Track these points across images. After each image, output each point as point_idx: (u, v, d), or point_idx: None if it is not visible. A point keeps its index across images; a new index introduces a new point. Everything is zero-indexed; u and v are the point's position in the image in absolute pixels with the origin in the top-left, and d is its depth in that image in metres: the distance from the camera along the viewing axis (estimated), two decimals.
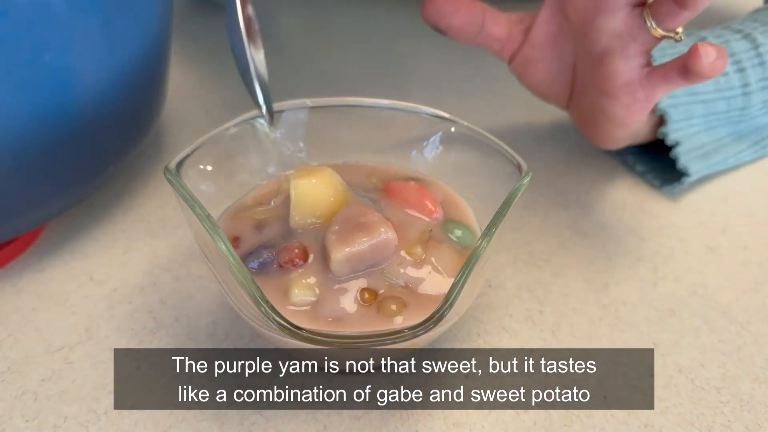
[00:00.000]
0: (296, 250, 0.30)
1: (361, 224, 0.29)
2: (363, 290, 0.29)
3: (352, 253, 0.28)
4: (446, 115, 0.36)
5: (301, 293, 0.29)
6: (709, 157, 0.44)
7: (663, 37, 0.35)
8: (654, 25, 0.35)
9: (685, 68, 0.34)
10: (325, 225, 0.30)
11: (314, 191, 0.31)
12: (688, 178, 0.43)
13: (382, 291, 0.29)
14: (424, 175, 0.36)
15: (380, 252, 0.29)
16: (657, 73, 0.36)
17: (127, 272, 0.37)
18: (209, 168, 0.33)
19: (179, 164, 0.31)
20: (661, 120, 0.43)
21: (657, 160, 0.45)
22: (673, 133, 0.42)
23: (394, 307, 0.28)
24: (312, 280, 0.29)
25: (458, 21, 0.40)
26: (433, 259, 0.30)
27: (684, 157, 0.42)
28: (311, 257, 0.30)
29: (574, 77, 0.42)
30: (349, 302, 0.29)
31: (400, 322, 0.28)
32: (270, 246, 0.31)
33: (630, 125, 0.39)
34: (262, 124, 0.35)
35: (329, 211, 0.31)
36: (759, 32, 0.44)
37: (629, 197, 0.44)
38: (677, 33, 0.35)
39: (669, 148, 0.44)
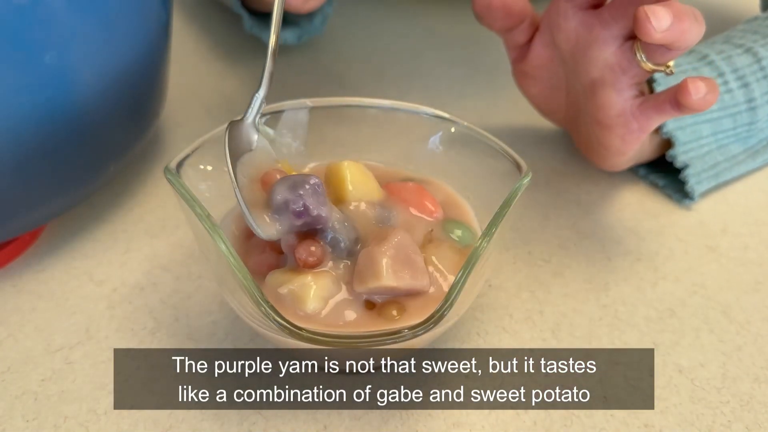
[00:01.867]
0: (312, 248, 0.29)
1: (411, 261, 0.29)
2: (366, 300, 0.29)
3: (392, 288, 0.28)
4: (446, 115, 0.36)
5: (314, 304, 0.28)
6: (721, 175, 0.43)
7: (654, 71, 0.35)
8: (644, 59, 0.35)
9: (677, 100, 0.34)
10: (364, 206, 0.31)
11: (365, 175, 0.33)
12: (692, 201, 0.43)
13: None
14: (424, 176, 0.36)
15: (410, 294, 0.29)
16: (650, 103, 0.36)
17: (127, 272, 0.37)
18: (209, 168, 0.33)
19: (179, 164, 0.31)
20: (668, 142, 0.43)
21: (660, 162, 0.45)
22: (681, 155, 0.42)
23: (394, 312, 0.28)
24: (327, 290, 0.29)
25: (517, 2, 0.39)
26: (434, 258, 0.31)
27: (693, 179, 0.42)
28: (341, 243, 0.29)
29: (568, 100, 0.42)
30: (352, 310, 0.29)
31: (398, 319, 0.28)
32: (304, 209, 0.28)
33: (626, 153, 0.39)
34: (262, 123, 0.35)
35: (370, 194, 0.32)
36: (760, 45, 0.44)
37: (629, 197, 0.44)
38: (668, 66, 0.35)
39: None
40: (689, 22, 0.32)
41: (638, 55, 0.35)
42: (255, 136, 0.32)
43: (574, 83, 0.40)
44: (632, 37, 0.35)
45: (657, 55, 0.34)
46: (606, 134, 0.38)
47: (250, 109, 0.32)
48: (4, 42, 0.28)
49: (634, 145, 0.38)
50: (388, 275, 0.28)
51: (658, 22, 0.32)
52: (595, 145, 0.40)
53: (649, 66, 0.35)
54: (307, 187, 0.28)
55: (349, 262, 0.30)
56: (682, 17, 0.32)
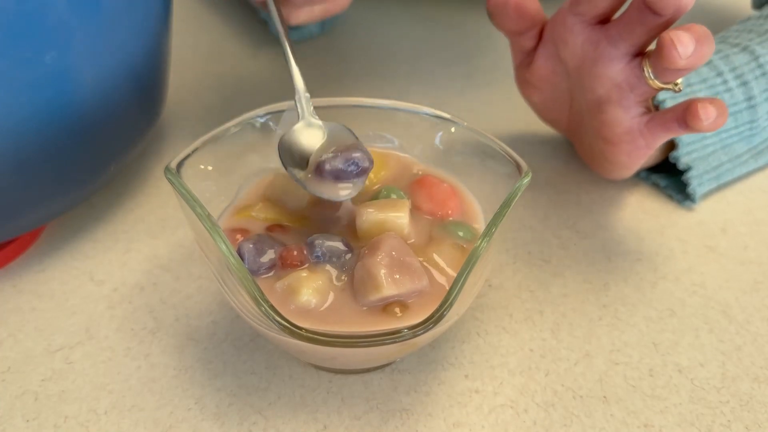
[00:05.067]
0: (294, 253, 0.30)
1: (407, 265, 0.29)
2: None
3: (395, 296, 0.28)
4: (446, 115, 0.36)
5: (307, 296, 0.28)
6: (722, 177, 0.43)
7: (662, 89, 0.35)
8: (652, 77, 0.34)
9: (684, 119, 0.34)
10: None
11: (377, 158, 0.35)
12: (692, 204, 0.43)
13: None
14: (442, 173, 0.36)
15: (411, 295, 0.29)
16: (657, 121, 0.35)
17: (127, 272, 0.37)
18: (209, 168, 0.33)
19: (180, 164, 0.31)
20: (670, 145, 0.43)
21: (661, 163, 0.45)
22: (684, 156, 0.42)
23: (397, 309, 0.28)
24: (320, 282, 0.29)
25: (532, 6, 0.39)
26: (435, 256, 0.31)
27: (695, 181, 0.42)
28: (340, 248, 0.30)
29: (571, 111, 0.42)
30: (356, 308, 0.29)
31: (401, 316, 0.28)
32: (271, 240, 0.31)
33: (631, 168, 0.39)
34: (262, 123, 0.35)
35: (377, 175, 0.35)
36: (756, 43, 0.44)
37: (629, 197, 0.44)
38: (676, 84, 0.35)
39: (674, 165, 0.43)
40: (708, 45, 0.32)
41: (646, 72, 0.34)
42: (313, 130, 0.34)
43: (578, 97, 0.40)
44: (639, 55, 0.35)
45: (667, 73, 0.34)
46: (612, 150, 0.38)
47: (299, 108, 0.34)
48: (5, 42, 0.28)
49: (640, 161, 0.38)
50: (388, 285, 0.28)
51: (684, 48, 0.31)
52: (599, 159, 0.40)
53: (657, 84, 0.34)
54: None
55: (347, 266, 0.30)
56: (703, 41, 0.32)
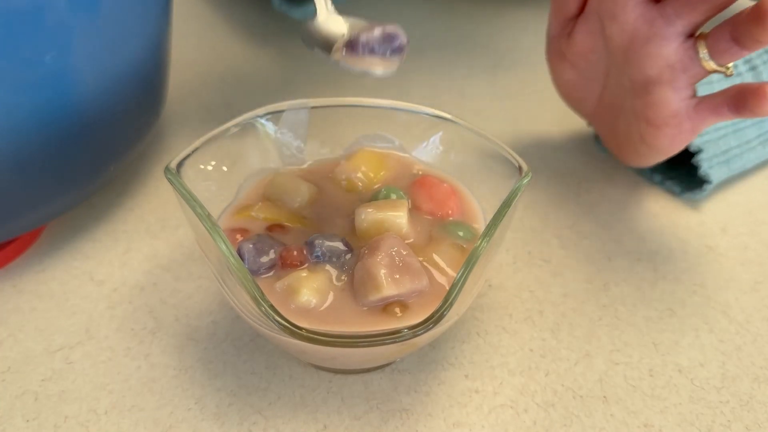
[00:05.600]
0: (294, 253, 0.30)
1: (407, 265, 0.29)
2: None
3: (395, 296, 0.28)
4: (446, 115, 0.36)
5: (307, 296, 0.29)
6: (732, 162, 0.43)
7: (715, 71, 0.34)
8: (707, 58, 0.34)
9: (739, 103, 0.33)
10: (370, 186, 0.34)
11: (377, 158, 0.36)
12: (709, 185, 0.42)
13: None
14: (442, 173, 0.36)
15: (411, 295, 0.29)
16: (706, 104, 0.35)
17: (128, 272, 0.37)
18: (209, 168, 0.33)
19: (180, 164, 0.31)
20: None
21: (673, 168, 0.45)
22: (696, 138, 0.41)
23: (397, 310, 0.28)
24: (320, 282, 0.29)
25: None
26: (435, 256, 0.31)
27: (706, 164, 0.42)
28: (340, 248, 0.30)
29: (604, 92, 0.41)
30: (356, 308, 0.29)
31: (401, 316, 0.28)
32: (271, 240, 0.31)
33: (670, 153, 0.38)
34: (262, 123, 0.35)
35: (377, 175, 0.35)
36: None
37: (629, 197, 0.44)
38: (728, 68, 0.34)
39: (685, 155, 0.43)
40: None
41: (701, 53, 0.34)
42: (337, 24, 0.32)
43: (617, 77, 0.39)
44: (692, 35, 0.35)
45: (725, 55, 0.33)
46: (654, 133, 0.37)
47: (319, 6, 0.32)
48: (5, 42, 0.28)
49: (681, 146, 0.37)
50: (388, 285, 0.28)
51: None
52: (636, 143, 0.39)
53: (712, 65, 0.34)
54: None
55: (347, 266, 0.30)
56: None
